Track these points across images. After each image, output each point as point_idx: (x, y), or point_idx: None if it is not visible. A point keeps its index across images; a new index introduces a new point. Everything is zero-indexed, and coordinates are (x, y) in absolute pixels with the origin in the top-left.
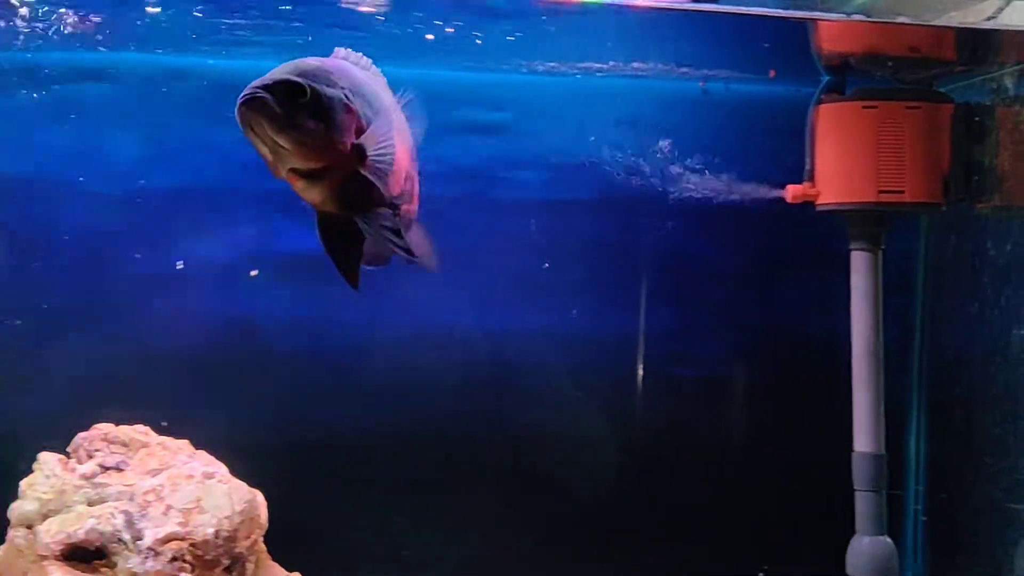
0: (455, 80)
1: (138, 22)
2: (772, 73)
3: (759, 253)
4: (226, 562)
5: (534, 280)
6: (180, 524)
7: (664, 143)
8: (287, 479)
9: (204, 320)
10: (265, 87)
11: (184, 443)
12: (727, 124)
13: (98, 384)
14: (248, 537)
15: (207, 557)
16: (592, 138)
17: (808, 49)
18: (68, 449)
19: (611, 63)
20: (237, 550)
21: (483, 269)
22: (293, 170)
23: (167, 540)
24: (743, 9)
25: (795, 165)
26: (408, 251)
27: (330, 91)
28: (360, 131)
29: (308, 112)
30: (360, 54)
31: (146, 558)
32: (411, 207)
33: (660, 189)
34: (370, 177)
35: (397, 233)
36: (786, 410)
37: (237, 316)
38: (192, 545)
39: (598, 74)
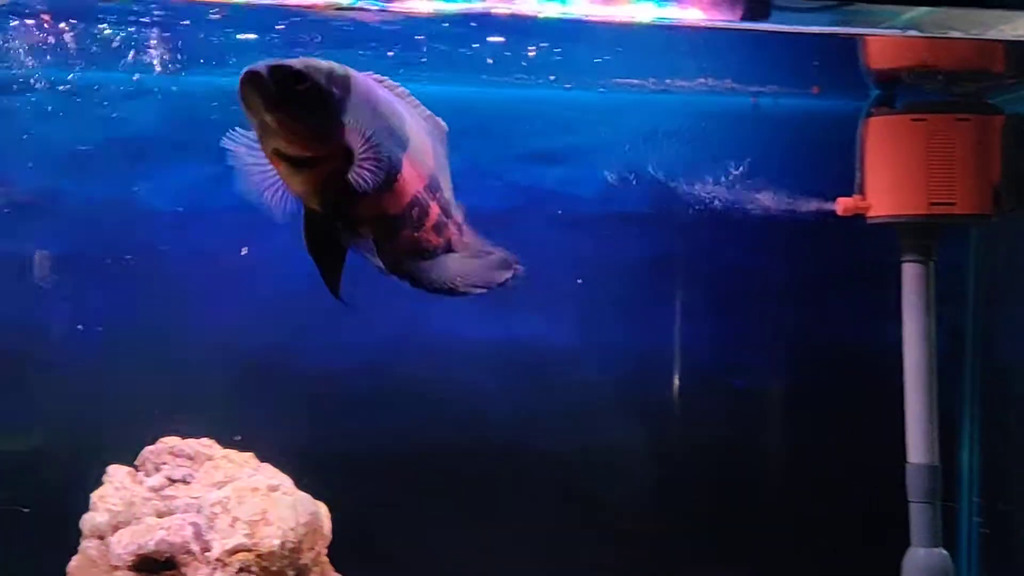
0: (508, 97)
1: None
2: (816, 89)
3: (810, 266)
4: (291, 573)
5: (585, 294)
6: (246, 536)
7: (714, 158)
8: (348, 491)
9: (265, 335)
10: (268, 66)
11: (248, 456)
12: (777, 138)
13: (164, 398)
14: (312, 548)
15: (273, 568)
16: (641, 153)
17: (857, 63)
18: (136, 462)
19: (660, 79)
20: (302, 561)
21: (535, 284)
22: (277, 152)
23: (235, 551)
24: (796, 28)
25: (844, 178)
26: (380, 269)
27: (332, 89)
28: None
29: (302, 99)
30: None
31: (215, 569)
32: (426, 235)
33: (710, 203)
34: (354, 180)
35: (375, 251)
36: (838, 423)
37: (296, 331)
38: (258, 556)
39: (647, 90)
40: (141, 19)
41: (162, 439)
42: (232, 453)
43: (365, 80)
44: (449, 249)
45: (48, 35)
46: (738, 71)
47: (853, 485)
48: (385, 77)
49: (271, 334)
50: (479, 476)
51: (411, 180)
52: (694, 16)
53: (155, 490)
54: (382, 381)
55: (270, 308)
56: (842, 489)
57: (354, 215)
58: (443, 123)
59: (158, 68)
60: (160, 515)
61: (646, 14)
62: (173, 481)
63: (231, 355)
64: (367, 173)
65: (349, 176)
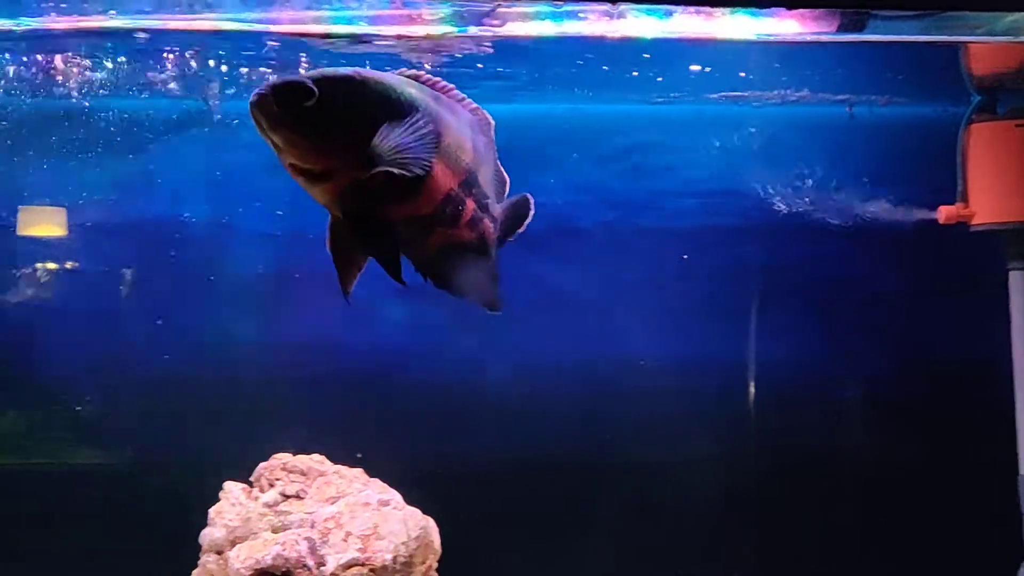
0: (606, 113)
1: None
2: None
3: (911, 275)
4: None
5: (681, 306)
6: (359, 550)
7: (811, 167)
8: (451, 505)
9: (370, 353)
10: (274, 85)
11: (358, 471)
12: (874, 147)
13: (275, 415)
14: (424, 563)
15: None
16: (739, 164)
17: (956, 69)
18: (251, 478)
19: (756, 91)
20: (414, 575)
21: (630, 296)
22: (294, 167)
23: (349, 566)
24: (894, 37)
25: (943, 186)
26: (398, 280)
27: (343, 101)
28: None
29: (310, 116)
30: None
31: None
32: (459, 232)
33: (807, 213)
34: (375, 188)
35: (391, 261)
36: (944, 433)
37: (399, 347)
38: (372, 570)
39: (743, 102)
40: None
41: (275, 455)
42: (343, 469)
43: (386, 82)
44: (483, 244)
45: None
46: (834, 80)
47: (962, 498)
48: (422, 72)
49: (378, 350)
50: (582, 490)
51: (443, 179)
52: (791, 29)
53: (269, 506)
54: (480, 397)
55: (374, 325)
56: (950, 502)
57: (382, 218)
58: (489, 116)
59: None
60: (275, 530)
61: (744, 29)
62: (287, 497)
63: (337, 371)
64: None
65: (367, 184)
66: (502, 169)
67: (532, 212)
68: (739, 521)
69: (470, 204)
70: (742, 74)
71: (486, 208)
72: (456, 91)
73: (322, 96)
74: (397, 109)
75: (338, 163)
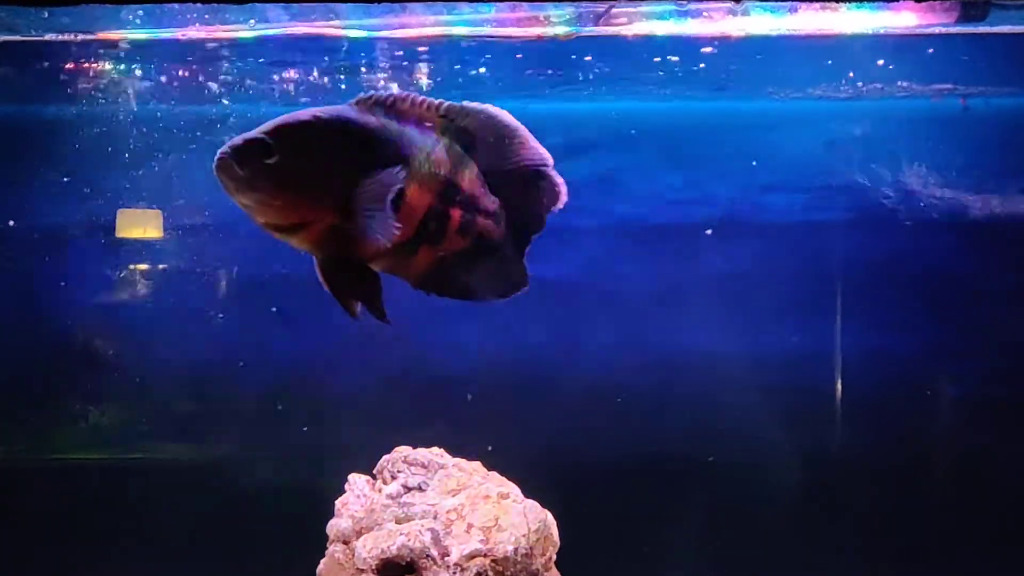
0: (707, 109)
1: None
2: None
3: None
4: None
5: (793, 301)
6: (482, 541)
7: (925, 161)
8: (568, 499)
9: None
10: (232, 147)
11: (477, 464)
12: (989, 140)
13: (396, 410)
14: (544, 554)
15: (507, 573)
16: (850, 159)
17: None
18: (374, 471)
19: (863, 85)
20: (534, 567)
21: (740, 292)
22: (267, 225)
23: (472, 557)
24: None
25: None
26: (380, 317)
27: (305, 150)
28: (355, 181)
29: (273, 173)
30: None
31: (453, 573)
32: (448, 243)
33: (921, 207)
34: (354, 231)
35: (373, 299)
36: None
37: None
38: (494, 561)
39: (850, 97)
40: None
41: (397, 448)
42: (462, 462)
43: (343, 119)
44: (484, 243)
45: None
46: (947, 73)
47: None
48: (379, 94)
49: (496, 347)
50: (696, 484)
51: (419, 200)
52: (907, 22)
53: (393, 497)
54: (596, 392)
55: (488, 325)
56: None
57: (363, 256)
58: (494, 110)
59: None
60: (399, 521)
61: (859, 23)
62: (409, 489)
63: (454, 369)
64: (372, 217)
65: (349, 227)
66: (530, 149)
67: (562, 189)
68: (847, 516)
69: (455, 213)
70: (848, 69)
71: (477, 208)
72: (425, 100)
73: (282, 150)
74: (358, 147)
75: (309, 214)
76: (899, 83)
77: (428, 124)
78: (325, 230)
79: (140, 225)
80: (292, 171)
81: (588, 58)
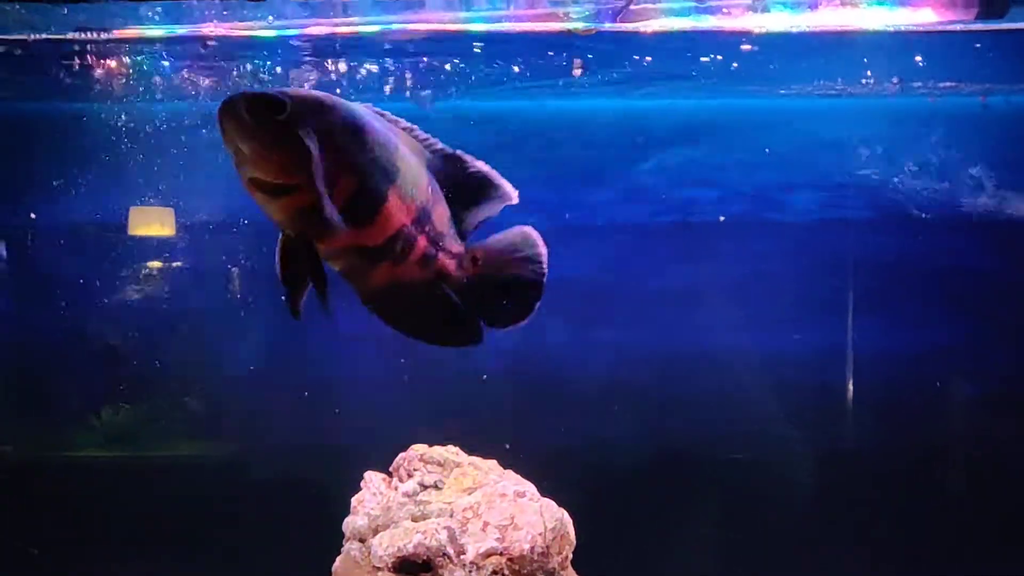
0: (729, 107)
1: None
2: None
3: None
4: None
5: (814, 299)
6: (498, 540)
7: (944, 159)
8: (583, 498)
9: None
10: (246, 96)
11: (493, 463)
12: (1009, 137)
13: (413, 408)
14: (560, 553)
15: (523, 572)
16: (869, 157)
17: None
18: (390, 469)
19: (883, 83)
20: (550, 566)
21: (761, 289)
22: (254, 181)
23: (488, 555)
24: None
25: None
26: (324, 307)
27: (311, 119)
28: (347, 170)
29: (278, 129)
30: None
31: (470, 572)
32: (407, 269)
33: (942, 205)
34: (328, 219)
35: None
36: None
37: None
38: (510, 560)
39: (871, 94)
40: None
41: (413, 446)
42: (478, 460)
43: (353, 112)
44: (441, 281)
45: None
46: (966, 71)
47: None
48: (386, 112)
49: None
50: (716, 483)
51: (397, 213)
52: (926, 18)
53: (409, 495)
54: (612, 391)
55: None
56: None
57: (329, 244)
58: (467, 158)
59: None
60: (415, 519)
61: (877, 20)
62: (425, 487)
63: (469, 367)
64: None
65: (322, 208)
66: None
67: (541, 249)
68: (868, 514)
69: (422, 241)
70: (866, 66)
71: (441, 246)
72: (419, 131)
73: (293, 111)
74: (363, 137)
75: (300, 180)
76: (913, 81)
77: (420, 152)
78: (305, 206)
79: (155, 223)
80: (296, 132)
81: (589, 57)
